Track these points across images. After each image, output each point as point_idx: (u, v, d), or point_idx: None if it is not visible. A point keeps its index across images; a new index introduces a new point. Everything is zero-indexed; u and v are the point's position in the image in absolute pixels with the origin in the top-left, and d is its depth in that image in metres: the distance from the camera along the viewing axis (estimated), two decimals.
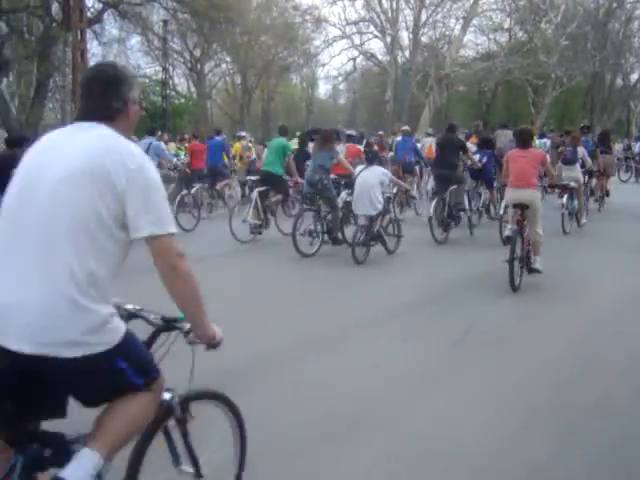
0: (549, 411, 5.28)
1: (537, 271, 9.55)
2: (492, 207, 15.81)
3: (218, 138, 18.80)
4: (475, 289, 9.44)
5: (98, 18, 32.80)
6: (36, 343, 2.68)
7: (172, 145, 20.42)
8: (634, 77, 61.35)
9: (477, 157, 14.87)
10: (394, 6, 49.34)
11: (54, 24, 30.19)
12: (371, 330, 7.38)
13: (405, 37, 53.16)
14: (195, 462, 3.40)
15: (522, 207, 9.46)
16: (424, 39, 53.39)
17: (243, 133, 22.08)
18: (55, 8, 31.61)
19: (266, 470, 4.15)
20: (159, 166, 15.43)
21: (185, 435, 3.33)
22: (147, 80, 39.24)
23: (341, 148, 15.19)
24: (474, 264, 11.18)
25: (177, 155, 19.96)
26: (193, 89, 54.25)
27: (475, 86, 59.04)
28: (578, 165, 15.48)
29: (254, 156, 20.46)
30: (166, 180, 14.14)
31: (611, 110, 58.24)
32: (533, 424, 5.04)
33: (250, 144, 21.25)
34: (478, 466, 4.38)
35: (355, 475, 4.29)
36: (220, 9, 33.52)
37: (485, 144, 15.70)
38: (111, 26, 37.20)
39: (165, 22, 32.58)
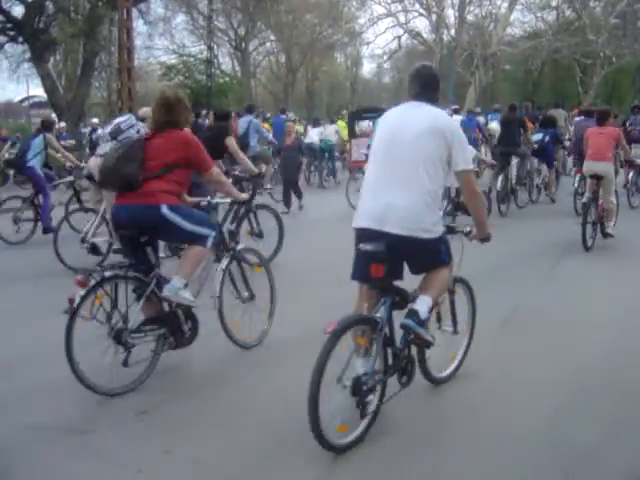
0: (599, 395, 5.35)
1: (610, 235, 11.08)
2: (552, 186, 16.57)
3: (283, 117, 19.55)
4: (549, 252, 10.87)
5: None
6: (406, 229, 4.65)
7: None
8: None
9: (540, 136, 15.62)
10: None
11: (100, 3, 30.95)
12: None
13: (451, 15, 53.09)
14: (455, 322, 5.53)
15: (598, 178, 10.92)
16: (470, 17, 53.23)
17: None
18: None
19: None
20: (258, 142, 16.64)
21: (452, 303, 5.49)
22: (192, 59, 39.89)
23: None
24: (546, 230, 12.86)
25: None
26: (237, 68, 54.81)
27: (521, 65, 58.71)
28: None
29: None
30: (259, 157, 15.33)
31: None
32: (582, 407, 5.14)
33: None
34: (525, 448, 4.50)
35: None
36: None
37: (548, 123, 16.30)
38: (156, 5, 37.93)
39: (211, 1, 33.13)
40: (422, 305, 4.76)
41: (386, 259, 4.54)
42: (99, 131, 12.76)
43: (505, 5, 49.99)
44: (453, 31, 53.11)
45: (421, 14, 52.55)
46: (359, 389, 4.32)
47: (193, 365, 6.06)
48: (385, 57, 63.42)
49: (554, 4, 54.31)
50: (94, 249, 9.63)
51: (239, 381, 5.68)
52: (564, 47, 47.20)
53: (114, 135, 9.16)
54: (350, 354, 4.38)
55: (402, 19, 53.12)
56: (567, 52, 48.29)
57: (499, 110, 27.04)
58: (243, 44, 50.85)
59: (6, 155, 15.99)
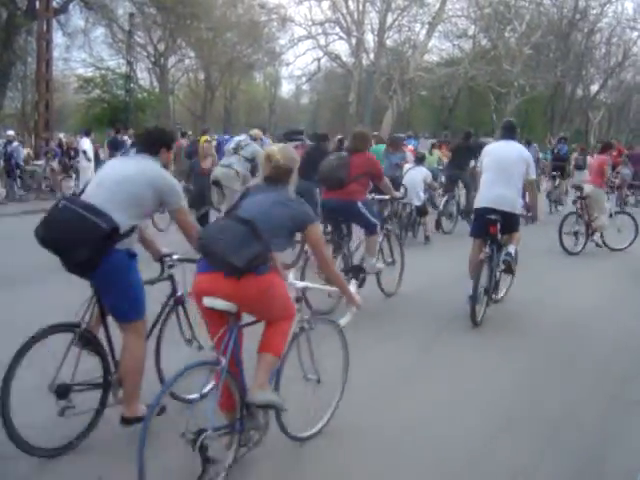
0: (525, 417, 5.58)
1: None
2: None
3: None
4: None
5: (64, 8, 33.46)
6: (507, 207, 8.40)
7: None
8: (594, 88, 63.58)
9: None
10: (360, 8, 50.42)
11: (18, 12, 30.77)
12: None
13: (370, 40, 54.30)
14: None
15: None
16: (389, 42, 54.66)
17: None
18: None
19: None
20: None
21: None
22: (110, 73, 39.86)
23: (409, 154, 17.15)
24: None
25: None
26: (156, 83, 54.85)
27: (438, 91, 60.58)
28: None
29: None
30: None
31: (570, 120, 60.30)
32: (511, 429, 5.34)
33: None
34: (455, 471, 4.68)
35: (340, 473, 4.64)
36: (187, 4, 34.44)
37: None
38: (76, 17, 37.82)
39: (132, 15, 33.30)
40: (512, 248, 8.55)
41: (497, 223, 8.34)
42: (15, 144, 13.41)
43: (423, 32, 51.65)
44: (372, 55, 54.41)
45: (341, 37, 53.68)
46: None
47: None
48: (304, 79, 64.33)
49: (470, 33, 56.48)
50: None
51: None
52: (480, 75, 49.06)
53: (236, 150, 12.01)
54: None
55: (322, 42, 54.14)
56: (482, 80, 50.16)
57: (413, 137, 28.50)
58: (162, 60, 51.00)
59: None
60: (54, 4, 29.96)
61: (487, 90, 53.53)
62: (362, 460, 4.82)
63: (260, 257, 4.11)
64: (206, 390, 4.69)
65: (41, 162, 23.30)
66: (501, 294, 9.16)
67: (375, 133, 24.51)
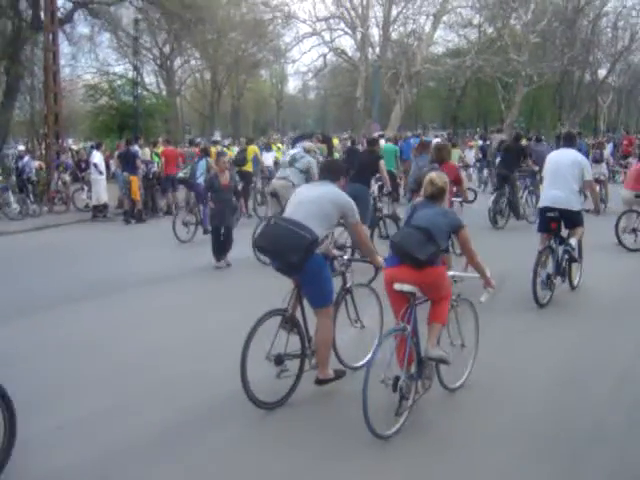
0: (549, 441, 5.58)
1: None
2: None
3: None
4: None
5: (68, 18, 33.79)
6: (563, 205, 9.74)
7: (146, 151, 21.10)
8: (602, 73, 63.51)
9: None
10: (364, 2, 50.56)
11: (24, 24, 31.13)
12: None
13: (375, 34, 54.50)
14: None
15: None
16: (394, 35, 54.71)
17: (218, 137, 23.18)
18: (22, 5, 32.34)
19: None
20: None
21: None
22: (117, 78, 40.20)
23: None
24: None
25: (151, 161, 20.58)
26: (162, 85, 55.24)
27: (445, 83, 60.68)
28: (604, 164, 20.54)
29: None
30: None
31: (580, 106, 60.24)
32: (535, 458, 5.34)
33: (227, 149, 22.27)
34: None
35: None
36: (191, 8, 34.72)
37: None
38: (81, 25, 38.18)
39: (137, 21, 33.58)
40: (573, 241, 9.94)
41: (558, 220, 9.78)
42: (26, 159, 13.75)
43: (429, 24, 51.72)
44: (378, 49, 54.54)
45: (346, 32, 53.80)
46: None
47: None
48: (310, 74, 64.57)
49: (475, 22, 56.51)
50: None
51: None
52: (487, 66, 49.00)
53: (291, 163, 12.70)
54: None
55: (327, 37, 54.31)
56: (490, 71, 50.14)
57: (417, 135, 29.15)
58: (168, 62, 51.37)
59: None
60: (59, 14, 30.26)
61: (495, 80, 53.56)
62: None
63: (435, 254, 5.80)
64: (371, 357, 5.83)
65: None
66: (576, 280, 10.56)
67: (381, 133, 25.04)
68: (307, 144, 13.79)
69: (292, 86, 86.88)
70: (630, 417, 6.00)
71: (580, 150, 19.06)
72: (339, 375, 6.58)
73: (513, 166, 17.54)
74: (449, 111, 64.53)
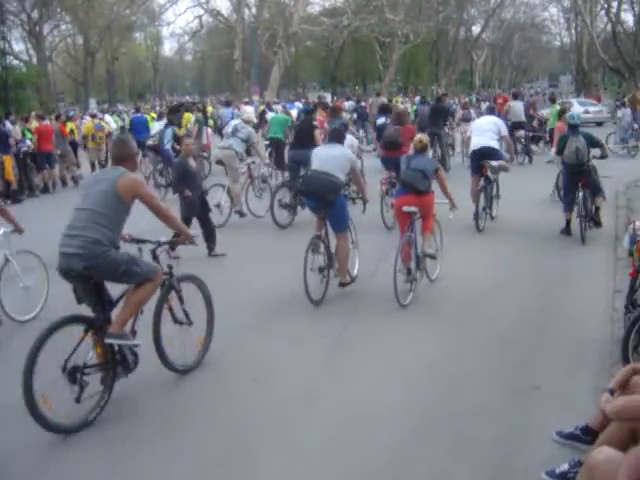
0: (434, 418, 5.42)
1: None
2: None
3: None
4: None
5: None
6: (486, 144, 12.29)
7: (16, 128, 19.81)
8: (476, 30, 66.29)
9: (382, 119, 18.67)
10: None
11: None
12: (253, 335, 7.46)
13: None
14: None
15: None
16: None
17: (94, 109, 23.25)
18: None
19: None
20: None
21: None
22: None
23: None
24: None
25: (22, 140, 18.94)
26: (32, 52, 54.29)
27: (323, 43, 61.99)
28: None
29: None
30: None
31: (455, 62, 62.78)
32: (420, 434, 5.18)
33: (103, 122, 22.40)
34: (373, 478, 4.66)
35: None
36: None
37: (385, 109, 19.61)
38: None
39: None
40: (494, 163, 12.11)
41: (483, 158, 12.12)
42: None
43: None
44: (254, 10, 55.19)
45: None
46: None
47: None
48: (186, 37, 64.78)
49: None
50: (241, 213, 13.29)
51: None
52: (363, 25, 50.39)
53: (234, 133, 13.37)
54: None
55: None
56: (366, 30, 51.63)
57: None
58: (37, 28, 50.47)
59: None
60: None
61: (372, 39, 55.19)
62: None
63: (429, 186, 8.50)
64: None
65: None
66: (494, 212, 12.87)
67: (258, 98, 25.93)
68: (246, 116, 15.20)
69: (168, 48, 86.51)
70: None
71: (448, 110, 21.31)
72: (353, 280, 8.86)
73: (440, 124, 19.00)
74: (328, 71, 65.90)
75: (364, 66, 66.44)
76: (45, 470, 4.88)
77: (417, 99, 27.19)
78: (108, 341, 5.50)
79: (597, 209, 11.15)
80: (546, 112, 23.20)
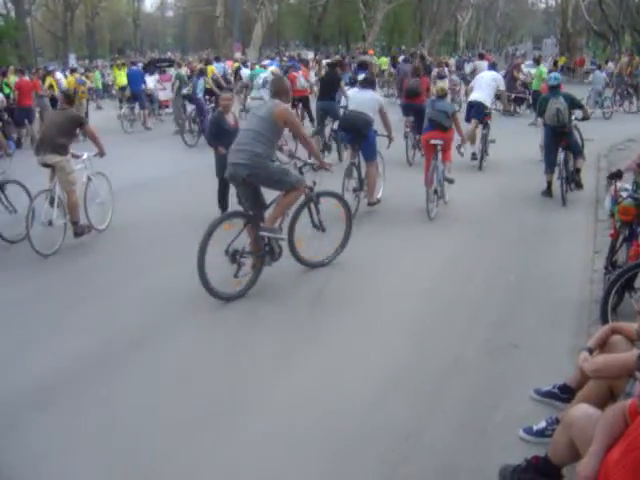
0: (411, 373, 5.42)
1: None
2: None
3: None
4: None
5: None
6: (480, 100, 14.11)
7: None
8: None
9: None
10: None
11: None
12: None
13: None
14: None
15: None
16: None
17: (74, 64, 22.98)
18: None
19: (143, 469, 4.34)
20: None
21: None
22: None
23: None
24: None
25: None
26: (10, 6, 53.30)
27: (307, 0, 61.36)
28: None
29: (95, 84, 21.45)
30: None
31: (440, 22, 62.18)
32: (396, 389, 5.19)
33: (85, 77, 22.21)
34: (346, 442, 4.53)
35: (237, 458, 4.42)
36: None
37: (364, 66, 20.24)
38: None
39: None
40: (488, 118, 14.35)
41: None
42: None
43: None
44: None
45: None
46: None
47: None
48: None
49: None
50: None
51: None
52: None
53: (264, 84, 15.13)
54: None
55: None
56: None
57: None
58: None
59: None
60: None
61: None
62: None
63: (450, 124, 10.49)
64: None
65: None
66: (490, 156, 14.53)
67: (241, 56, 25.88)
68: (273, 68, 16.95)
69: (149, 4, 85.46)
70: None
71: (427, 68, 21.09)
72: (379, 201, 10.59)
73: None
74: (311, 29, 65.34)
75: (347, 25, 65.88)
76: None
77: (401, 58, 27.21)
78: (262, 233, 7.13)
79: (578, 171, 11.16)
80: (532, 71, 23.08)
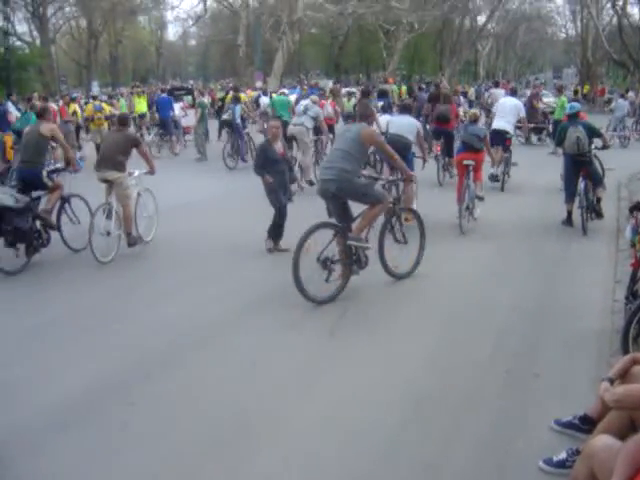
0: (430, 404, 5.34)
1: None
2: None
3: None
4: None
5: None
6: (503, 128, 14.92)
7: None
8: (481, 19, 66.01)
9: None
10: None
11: None
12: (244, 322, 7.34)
13: None
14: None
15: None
16: None
17: (96, 91, 23.41)
18: None
19: None
20: None
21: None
22: None
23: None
24: None
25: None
26: (36, 34, 54.14)
27: (327, 30, 61.77)
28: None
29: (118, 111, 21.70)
30: None
31: (460, 52, 62.41)
32: (415, 419, 5.12)
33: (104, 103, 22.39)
34: (364, 471, 4.46)
35: None
36: None
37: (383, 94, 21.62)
38: None
39: None
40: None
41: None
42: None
43: None
44: None
45: None
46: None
47: None
48: (191, 21, 64.49)
49: None
50: (311, 182, 14.61)
51: None
52: (368, 13, 50.22)
53: (305, 112, 15.41)
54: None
55: None
56: (371, 18, 51.44)
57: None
58: (41, 9, 50.34)
59: None
60: None
61: (377, 27, 54.97)
62: None
63: (481, 146, 11.54)
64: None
65: None
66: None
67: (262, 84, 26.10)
68: (313, 97, 17.35)
69: (172, 32, 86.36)
70: None
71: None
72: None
73: None
74: (332, 58, 65.81)
75: (368, 54, 66.17)
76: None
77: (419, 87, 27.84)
78: (350, 243, 7.80)
79: (598, 200, 11.09)
80: (552, 100, 23.14)
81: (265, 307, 7.66)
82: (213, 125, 23.59)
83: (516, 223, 11.60)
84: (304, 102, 16.53)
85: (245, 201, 13.23)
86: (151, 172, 10.42)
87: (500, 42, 78.37)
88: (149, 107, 24.70)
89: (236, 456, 4.64)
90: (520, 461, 4.48)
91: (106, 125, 20.44)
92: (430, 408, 5.27)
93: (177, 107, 23.75)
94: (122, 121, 10.53)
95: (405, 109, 12.34)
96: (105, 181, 9.89)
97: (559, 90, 23.14)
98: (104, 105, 21.40)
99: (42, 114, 10.37)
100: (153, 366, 6.11)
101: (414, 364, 6.09)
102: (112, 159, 9.78)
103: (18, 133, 17.31)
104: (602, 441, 3.45)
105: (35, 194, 9.62)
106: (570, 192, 10.99)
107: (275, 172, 9.79)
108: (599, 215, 11.12)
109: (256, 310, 7.58)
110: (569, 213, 11.09)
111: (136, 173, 10.35)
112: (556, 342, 6.46)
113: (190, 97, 30.17)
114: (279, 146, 10.05)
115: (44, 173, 9.84)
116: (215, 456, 4.65)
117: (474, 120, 12.22)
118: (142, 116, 23.59)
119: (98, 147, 20.55)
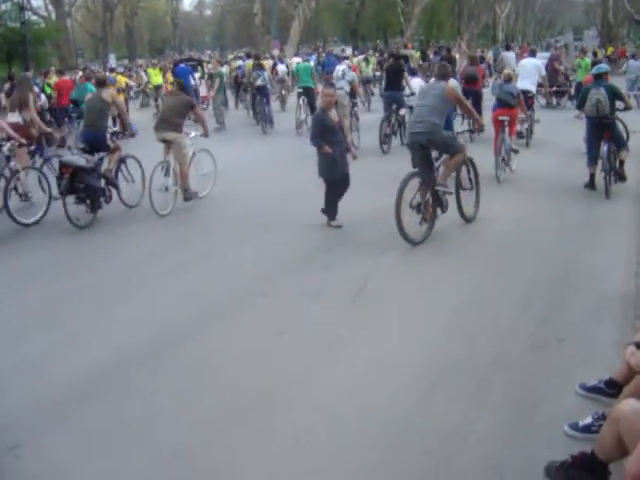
0: (456, 369, 5.30)
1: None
2: None
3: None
4: None
5: None
6: (526, 87, 15.73)
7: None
8: None
9: None
10: None
11: None
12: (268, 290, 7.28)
13: None
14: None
15: None
16: None
17: (113, 64, 23.23)
18: None
19: (184, 462, 4.28)
20: None
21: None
22: (1, 3, 39.34)
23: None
24: None
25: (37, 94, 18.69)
26: (51, 8, 53.96)
27: None
28: None
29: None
30: None
31: (478, 16, 61.69)
32: (441, 385, 5.09)
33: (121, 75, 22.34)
34: (391, 438, 4.42)
35: (276, 454, 4.33)
36: None
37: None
38: None
39: None
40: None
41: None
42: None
43: None
44: None
45: None
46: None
47: None
48: None
49: None
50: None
51: None
52: None
53: (342, 76, 16.35)
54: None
55: None
56: None
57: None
58: None
59: None
60: None
61: None
62: None
63: (516, 103, 12.56)
64: None
65: None
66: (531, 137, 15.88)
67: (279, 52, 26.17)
68: (348, 62, 18.63)
69: (187, 2, 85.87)
70: None
71: (453, 60, 21.47)
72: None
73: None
74: (349, 25, 65.17)
75: (385, 20, 65.48)
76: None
77: (432, 52, 27.91)
78: (437, 188, 8.69)
79: (621, 163, 10.95)
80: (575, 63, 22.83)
81: (291, 273, 7.69)
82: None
83: (544, 178, 12.26)
84: (340, 67, 17.34)
85: (283, 166, 14.31)
86: (205, 134, 11.34)
87: (519, 4, 77.25)
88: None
89: (260, 423, 4.66)
90: (545, 426, 4.44)
91: (122, 97, 20.40)
92: (455, 374, 5.21)
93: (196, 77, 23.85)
94: (179, 85, 11.83)
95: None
96: (164, 141, 10.80)
97: (582, 52, 22.81)
98: (119, 77, 21.40)
99: (102, 82, 11.39)
100: (177, 336, 6.10)
101: (438, 329, 6.05)
102: (170, 121, 10.75)
103: (75, 102, 17.79)
104: (629, 405, 3.42)
105: (98, 155, 10.49)
106: (592, 155, 10.85)
107: (334, 142, 9.26)
108: (622, 178, 10.98)
109: (282, 276, 7.61)
110: (591, 176, 10.96)
111: (192, 134, 11.25)
112: (580, 305, 6.42)
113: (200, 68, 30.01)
114: (334, 114, 9.48)
115: (107, 136, 10.80)
116: (240, 423, 4.66)
117: (509, 79, 13.17)
118: (158, 87, 23.58)
119: (114, 119, 20.72)
